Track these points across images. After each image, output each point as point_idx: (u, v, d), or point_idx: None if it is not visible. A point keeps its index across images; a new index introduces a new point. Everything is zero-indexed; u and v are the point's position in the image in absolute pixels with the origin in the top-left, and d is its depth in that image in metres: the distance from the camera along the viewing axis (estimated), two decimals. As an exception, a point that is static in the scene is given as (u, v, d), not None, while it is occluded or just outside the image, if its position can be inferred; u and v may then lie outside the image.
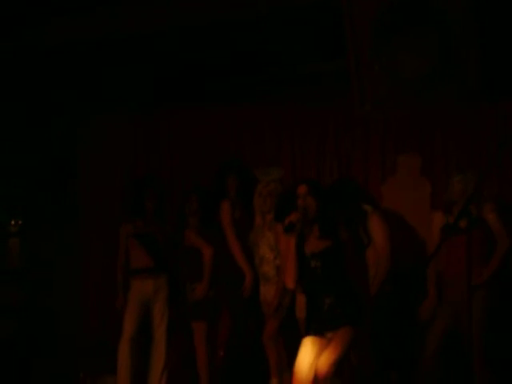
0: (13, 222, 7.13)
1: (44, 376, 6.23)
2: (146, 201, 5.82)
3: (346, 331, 4.28)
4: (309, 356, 4.30)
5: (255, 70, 6.37)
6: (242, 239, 5.59)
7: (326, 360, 4.19)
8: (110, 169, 6.58)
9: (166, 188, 6.10)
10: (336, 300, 4.34)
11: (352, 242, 4.54)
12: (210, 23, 5.83)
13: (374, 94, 5.88)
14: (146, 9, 5.84)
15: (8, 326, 6.60)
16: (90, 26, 5.97)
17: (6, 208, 7.07)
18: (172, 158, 6.47)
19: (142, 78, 6.44)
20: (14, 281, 6.88)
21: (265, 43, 6.22)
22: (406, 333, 5.21)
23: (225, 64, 6.30)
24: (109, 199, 6.50)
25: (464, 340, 4.97)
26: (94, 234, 6.49)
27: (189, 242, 5.64)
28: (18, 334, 6.57)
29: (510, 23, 5.49)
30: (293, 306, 5.30)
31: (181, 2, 5.81)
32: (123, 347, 5.65)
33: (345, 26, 5.71)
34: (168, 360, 5.79)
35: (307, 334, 4.44)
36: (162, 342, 5.77)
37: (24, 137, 6.67)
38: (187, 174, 6.32)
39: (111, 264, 5.98)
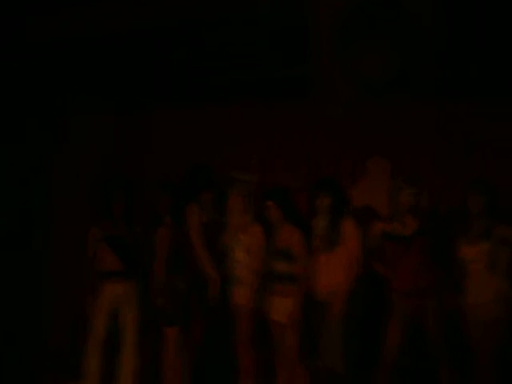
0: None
1: (10, 381, 6.12)
2: (114, 204, 5.77)
3: None
4: None
5: (225, 72, 6.36)
6: (210, 243, 5.55)
7: None
8: (81, 170, 6.54)
9: (139, 188, 6.07)
10: None
11: None
12: (182, 23, 5.82)
13: (339, 97, 5.95)
14: (123, 8, 5.81)
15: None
16: (71, 23, 5.91)
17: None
18: (145, 158, 6.46)
19: (116, 79, 6.39)
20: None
21: (233, 46, 6.23)
22: (377, 335, 5.26)
23: (198, 65, 6.29)
24: (79, 201, 6.46)
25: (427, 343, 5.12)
26: (64, 236, 6.44)
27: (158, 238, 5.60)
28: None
29: (475, 23, 5.60)
30: (265, 308, 5.32)
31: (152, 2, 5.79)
32: (92, 351, 5.62)
33: (309, 30, 5.76)
34: (137, 364, 5.75)
35: None
36: (132, 345, 5.74)
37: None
38: (160, 174, 6.27)
39: (80, 267, 5.88)
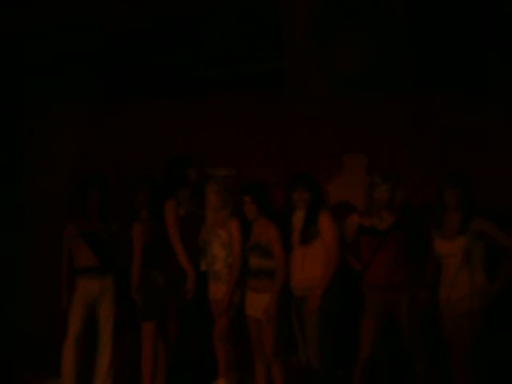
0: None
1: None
2: (90, 200, 5.74)
3: None
4: None
5: (202, 67, 6.37)
6: (188, 237, 5.54)
7: None
8: (55, 165, 6.50)
9: (114, 183, 6.03)
10: None
11: None
12: (155, 20, 5.81)
13: (313, 90, 5.97)
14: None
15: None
16: (39, 16, 5.88)
17: None
18: (121, 153, 6.42)
19: (89, 71, 6.36)
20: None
21: (208, 41, 6.24)
22: (353, 331, 5.26)
23: (173, 60, 6.28)
24: (55, 198, 6.42)
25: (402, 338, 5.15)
26: (39, 233, 6.39)
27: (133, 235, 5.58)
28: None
29: (447, 16, 5.63)
30: (241, 303, 5.32)
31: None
32: (68, 348, 5.59)
33: (283, 24, 5.77)
34: (114, 360, 5.73)
35: None
36: (108, 341, 5.72)
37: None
38: (135, 168, 6.24)
39: (56, 264, 5.84)
